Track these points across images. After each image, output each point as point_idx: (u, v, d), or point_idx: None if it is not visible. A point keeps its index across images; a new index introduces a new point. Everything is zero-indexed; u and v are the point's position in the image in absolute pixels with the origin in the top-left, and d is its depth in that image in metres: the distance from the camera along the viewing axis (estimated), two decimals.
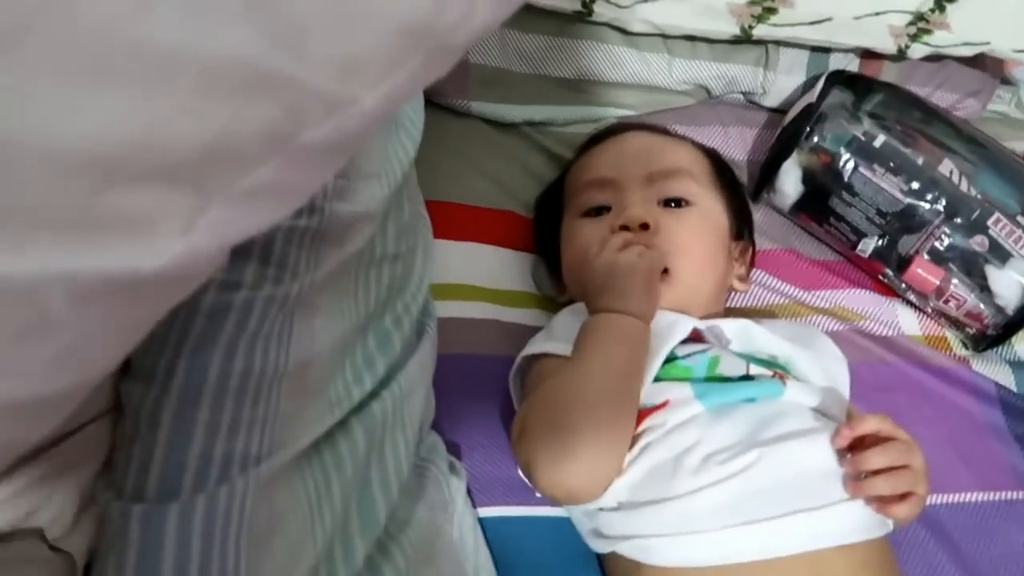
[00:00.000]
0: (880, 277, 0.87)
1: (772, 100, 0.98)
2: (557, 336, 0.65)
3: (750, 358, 0.62)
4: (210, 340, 0.46)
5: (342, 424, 0.51)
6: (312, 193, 0.38)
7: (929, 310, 0.86)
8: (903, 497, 0.54)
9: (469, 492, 0.65)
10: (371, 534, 0.50)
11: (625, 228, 0.66)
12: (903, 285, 0.85)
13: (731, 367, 0.61)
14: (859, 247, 0.84)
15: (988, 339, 0.82)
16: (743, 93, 0.99)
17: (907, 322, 0.85)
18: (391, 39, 0.36)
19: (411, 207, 0.67)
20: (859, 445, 0.55)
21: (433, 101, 0.86)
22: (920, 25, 0.90)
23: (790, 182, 0.86)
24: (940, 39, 0.91)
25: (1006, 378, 0.82)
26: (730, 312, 0.74)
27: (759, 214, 0.90)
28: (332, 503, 0.48)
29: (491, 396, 0.71)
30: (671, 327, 0.61)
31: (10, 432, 0.33)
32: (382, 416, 0.54)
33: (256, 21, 0.33)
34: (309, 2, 0.34)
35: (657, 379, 0.60)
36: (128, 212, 0.30)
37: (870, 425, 0.55)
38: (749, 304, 0.81)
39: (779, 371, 0.62)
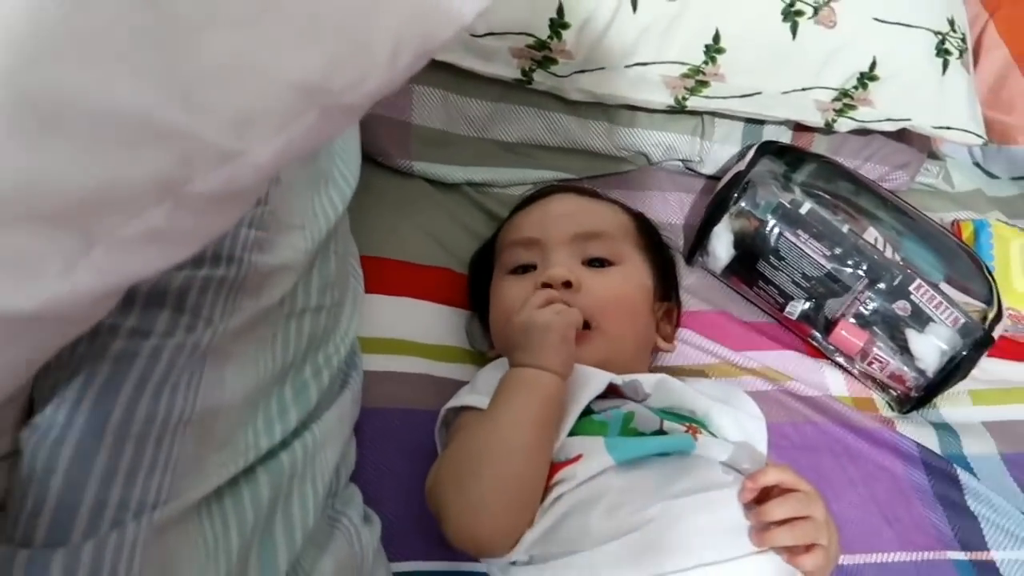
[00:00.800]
0: (808, 339, 0.89)
1: (709, 167, 1.02)
2: (479, 389, 0.66)
3: (665, 413, 0.64)
4: (114, 386, 0.47)
5: (248, 472, 0.52)
6: (209, 240, 0.40)
7: (855, 372, 0.88)
8: (808, 548, 0.55)
9: (388, 545, 0.64)
10: None
11: (548, 286, 0.68)
12: (830, 347, 0.87)
13: (645, 422, 0.62)
14: (787, 309, 0.87)
15: (911, 401, 0.84)
16: (681, 160, 1.02)
17: (834, 383, 0.87)
18: (284, 95, 0.39)
19: (339, 261, 0.68)
20: (764, 497, 0.56)
21: (376, 160, 0.89)
22: (845, 101, 0.95)
23: (722, 246, 0.89)
24: (864, 114, 0.96)
25: (929, 439, 0.83)
26: (656, 371, 0.75)
27: (693, 277, 0.93)
28: (229, 550, 0.48)
29: (420, 448, 0.71)
30: (587, 381, 0.62)
31: None
32: (290, 466, 0.54)
33: (151, 74, 0.35)
34: (204, 57, 0.36)
35: (572, 433, 0.61)
36: (5, 253, 0.32)
37: (771, 476, 0.56)
38: (679, 364, 0.83)
39: (693, 425, 0.63)
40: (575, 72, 0.90)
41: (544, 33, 0.86)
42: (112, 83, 0.34)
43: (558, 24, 0.87)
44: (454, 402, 0.67)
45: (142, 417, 0.47)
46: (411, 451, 0.71)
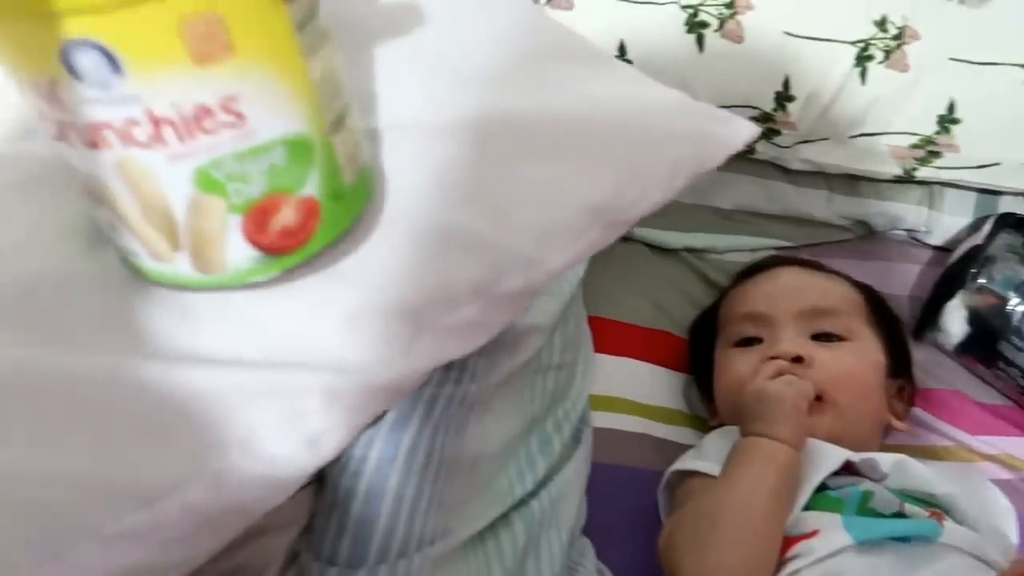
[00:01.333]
0: None
1: (937, 238, 0.98)
2: (707, 455, 0.68)
3: (905, 496, 0.62)
4: (399, 429, 0.53)
5: (504, 518, 0.57)
6: (503, 327, 0.46)
7: None
8: None
9: None
10: None
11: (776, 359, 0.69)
12: None
13: (884, 503, 0.61)
14: None
15: None
16: (906, 230, 0.99)
17: None
18: (577, 214, 0.45)
19: (576, 322, 0.73)
20: None
21: None
22: None
23: (955, 322, 0.85)
24: None
25: None
26: (888, 450, 0.73)
27: (922, 353, 0.89)
28: None
29: (639, 507, 0.74)
30: (823, 457, 0.62)
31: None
32: (540, 514, 0.58)
33: (477, 200, 0.42)
34: (516, 185, 0.44)
35: (807, 508, 0.61)
36: (370, 338, 0.39)
37: None
38: (910, 444, 0.80)
39: (936, 511, 0.61)
40: (798, 143, 0.91)
41: (769, 106, 0.88)
42: (444, 199, 0.42)
43: (783, 97, 0.89)
44: (680, 465, 0.69)
45: (422, 459, 0.53)
46: (633, 509, 0.73)
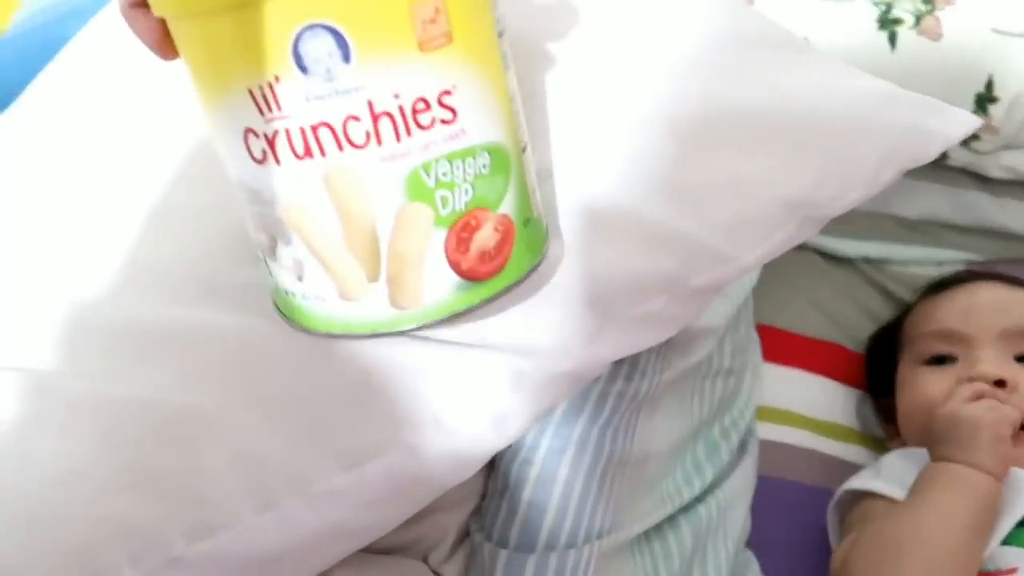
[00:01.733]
0: None
1: None
2: (887, 476, 0.64)
3: None
4: (570, 421, 0.53)
5: (670, 520, 0.56)
6: (685, 324, 0.45)
7: None
8: None
9: None
10: None
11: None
12: None
13: None
14: None
15: None
16: None
17: None
18: (773, 209, 0.44)
19: (746, 327, 0.71)
20: None
21: None
22: None
23: None
24: None
25: None
26: None
27: None
28: None
29: (804, 523, 0.71)
30: None
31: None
32: (707, 520, 0.57)
33: (667, 188, 0.42)
34: (712, 176, 0.43)
35: (1005, 542, 0.56)
36: (557, 325, 0.40)
37: None
38: None
39: None
40: (1000, 149, 0.84)
41: (968, 108, 0.82)
42: (639, 190, 0.42)
43: (985, 99, 0.82)
44: (856, 484, 0.65)
45: (592, 452, 0.53)
46: (798, 526, 0.70)
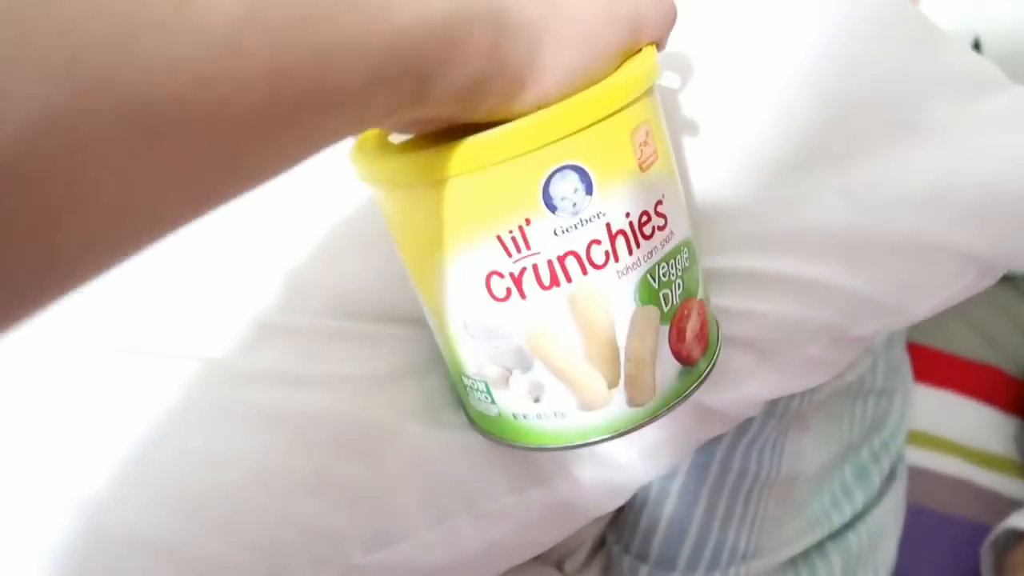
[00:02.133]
0: None
1: None
2: None
3: None
4: (715, 438, 0.51)
5: (819, 547, 0.53)
6: (847, 365, 0.44)
7: None
8: None
9: None
10: None
11: None
12: None
13: None
14: None
15: None
16: None
17: None
18: (951, 264, 0.41)
19: (900, 347, 0.67)
20: None
21: None
22: None
23: None
24: None
25: None
26: None
27: None
28: None
29: (952, 558, 0.66)
30: None
31: None
32: (857, 548, 0.54)
33: (843, 246, 0.40)
34: (889, 234, 0.40)
35: None
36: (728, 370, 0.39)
37: None
38: None
39: None
40: None
41: None
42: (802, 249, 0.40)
43: None
44: (1020, 523, 0.60)
45: (736, 470, 0.51)
46: (946, 560, 0.66)
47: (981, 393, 0.75)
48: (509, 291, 0.30)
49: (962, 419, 0.73)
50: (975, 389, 0.75)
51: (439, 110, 0.24)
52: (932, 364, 0.76)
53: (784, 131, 0.42)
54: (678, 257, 0.32)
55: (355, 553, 0.35)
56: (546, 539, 0.41)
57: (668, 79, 0.38)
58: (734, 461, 0.51)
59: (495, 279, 0.30)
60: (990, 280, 0.45)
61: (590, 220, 0.29)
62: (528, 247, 0.29)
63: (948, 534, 0.67)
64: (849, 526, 0.55)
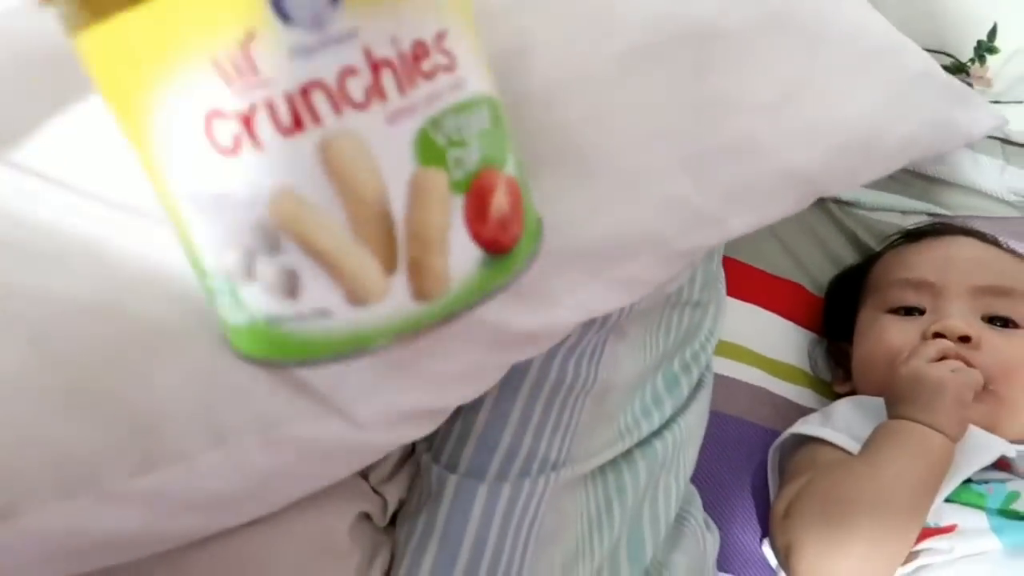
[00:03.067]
0: None
1: None
2: (836, 425, 0.63)
3: None
4: None
5: (627, 455, 0.53)
6: (659, 284, 0.43)
7: None
8: None
9: None
10: (638, 568, 0.51)
11: (939, 336, 0.62)
12: None
13: None
14: None
15: None
16: None
17: None
18: (774, 181, 0.41)
19: (717, 260, 0.68)
20: None
21: None
22: None
23: None
24: None
25: None
26: None
27: None
28: (612, 527, 0.50)
29: (745, 462, 0.70)
30: (977, 448, 0.57)
31: None
32: (663, 455, 0.55)
33: (678, 141, 0.38)
34: (721, 135, 0.39)
35: (948, 499, 0.56)
36: (530, 288, 0.36)
37: None
38: None
39: None
40: (989, 102, 0.81)
41: (966, 56, 0.79)
42: (639, 142, 0.38)
43: (985, 47, 0.79)
44: (803, 429, 0.64)
45: (553, 380, 0.50)
46: (740, 463, 0.70)
47: (783, 308, 0.79)
48: (238, 139, 0.23)
49: (764, 332, 0.77)
50: (778, 304, 0.79)
51: None
52: (742, 278, 0.78)
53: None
54: (473, 113, 0.26)
55: (115, 477, 0.29)
56: (346, 469, 0.37)
57: None
58: (551, 371, 0.50)
59: (218, 123, 0.23)
60: (806, 203, 0.45)
61: (339, 40, 0.23)
62: (255, 73, 0.22)
63: (745, 438, 0.71)
64: (656, 434, 0.56)
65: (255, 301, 0.26)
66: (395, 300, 0.25)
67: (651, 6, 0.39)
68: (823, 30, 0.43)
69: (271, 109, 0.23)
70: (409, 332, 0.26)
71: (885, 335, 0.66)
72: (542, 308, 0.38)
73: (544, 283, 0.37)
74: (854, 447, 0.59)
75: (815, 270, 0.82)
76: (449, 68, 0.25)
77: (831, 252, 0.84)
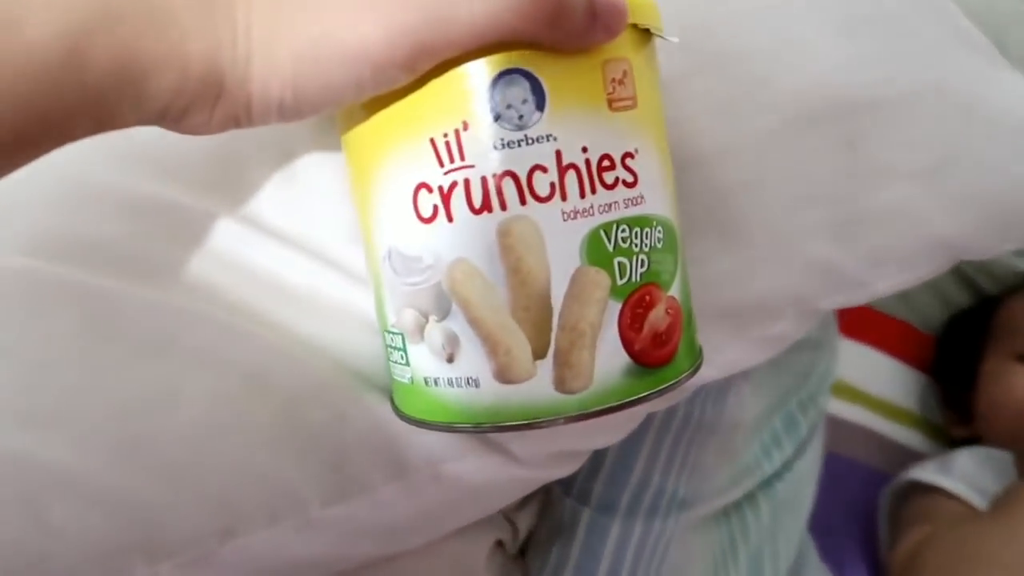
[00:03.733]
0: None
1: None
2: (957, 476, 0.62)
3: None
4: None
5: (749, 495, 0.53)
6: (796, 339, 0.43)
7: None
8: None
9: None
10: None
11: None
12: None
13: None
14: None
15: None
16: None
17: None
18: (924, 246, 0.41)
19: None
20: None
21: None
22: None
23: None
24: None
25: None
26: None
27: None
28: (736, 568, 0.50)
29: (851, 503, 0.69)
30: None
31: None
32: (784, 496, 0.54)
33: (828, 205, 0.39)
34: (875, 199, 0.39)
35: None
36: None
37: None
38: None
39: None
40: None
41: None
42: (792, 207, 0.38)
43: None
44: (921, 476, 0.63)
45: (681, 416, 0.50)
46: (849, 504, 0.69)
47: (893, 347, 0.78)
48: (436, 209, 0.26)
49: (874, 371, 0.76)
50: (888, 343, 0.78)
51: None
52: (850, 315, 0.77)
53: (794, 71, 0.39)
54: (648, 229, 0.28)
55: (313, 506, 0.31)
56: (502, 502, 0.38)
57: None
58: (678, 409, 0.50)
59: (423, 194, 0.26)
60: (948, 267, 0.45)
61: (537, 140, 0.26)
62: (462, 156, 0.25)
63: (853, 479, 0.70)
64: (777, 475, 0.55)
65: (420, 360, 0.28)
66: (538, 385, 0.27)
67: (809, 78, 0.39)
68: (978, 101, 0.43)
69: (467, 189, 0.26)
70: (544, 419, 0.27)
71: (1017, 385, 0.64)
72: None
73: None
74: (978, 501, 0.58)
75: (925, 308, 0.81)
76: (630, 184, 0.27)
77: (941, 291, 0.82)
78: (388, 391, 0.33)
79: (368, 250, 0.29)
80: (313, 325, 0.32)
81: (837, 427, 0.72)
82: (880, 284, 0.42)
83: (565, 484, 0.49)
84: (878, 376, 0.76)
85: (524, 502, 0.50)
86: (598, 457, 0.49)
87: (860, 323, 0.78)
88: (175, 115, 0.24)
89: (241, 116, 0.24)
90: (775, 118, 0.39)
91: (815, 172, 0.39)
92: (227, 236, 0.32)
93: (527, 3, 0.24)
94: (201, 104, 0.23)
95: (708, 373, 0.40)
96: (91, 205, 0.31)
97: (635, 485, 0.48)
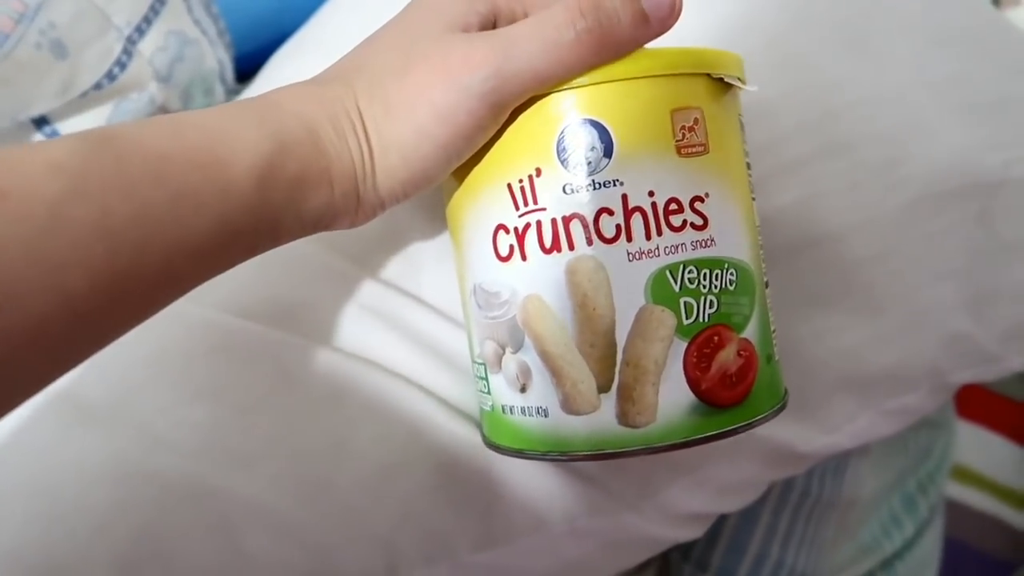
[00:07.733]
0: None
1: None
2: None
3: None
4: None
5: (868, 574, 0.53)
6: (924, 413, 0.44)
7: None
8: None
9: None
10: None
11: None
12: None
13: None
14: None
15: None
16: None
17: None
18: None
19: None
20: None
21: None
22: None
23: None
24: None
25: None
26: None
27: None
28: None
29: None
30: None
31: None
32: None
33: (966, 283, 0.41)
34: (1011, 275, 0.41)
35: None
36: (818, 410, 0.39)
37: None
38: None
39: None
40: None
41: None
42: (925, 282, 0.40)
43: None
44: None
45: (800, 489, 0.51)
46: None
47: (1012, 430, 0.76)
48: (512, 249, 0.28)
49: (1000, 458, 0.74)
50: (1011, 428, 0.76)
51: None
52: (973, 399, 0.76)
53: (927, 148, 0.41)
54: (717, 271, 0.28)
55: (464, 551, 0.34)
56: (631, 560, 0.41)
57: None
58: (798, 481, 0.51)
59: (501, 235, 0.28)
60: None
61: (604, 185, 0.27)
62: (535, 200, 0.28)
63: (975, 568, 0.68)
64: (898, 555, 0.55)
65: (498, 389, 0.30)
66: (601, 417, 0.28)
67: (936, 161, 0.41)
68: None
69: (539, 230, 0.28)
70: (607, 451, 0.28)
71: None
72: (824, 433, 0.40)
73: (828, 410, 0.39)
74: None
75: None
76: (699, 227, 0.28)
77: None
78: None
79: (461, 289, 0.32)
80: (463, 385, 0.36)
81: (958, 513, 0.70)
82: (1014, 360, 0.43)
83: (684, 550, 0.51)
84: (997, 460, 0.74)
85: (643, 567, 0.51)
86: (716, 527, 0.50)
87: (975, 405, 0.76)
88: (326, 224, 0.28)
89: (372, 215, 0.29)
90: (905, 197, 0.40)
91: (947, 247, 0.41)
92: (392, 304, 0.36)
93: (571, 39, 0.26)
94: (344, 213, 0.28)
95: (841, 442, 0.41)
96: (289, 272, 0.37)
97: (754, 555, 0.49)
